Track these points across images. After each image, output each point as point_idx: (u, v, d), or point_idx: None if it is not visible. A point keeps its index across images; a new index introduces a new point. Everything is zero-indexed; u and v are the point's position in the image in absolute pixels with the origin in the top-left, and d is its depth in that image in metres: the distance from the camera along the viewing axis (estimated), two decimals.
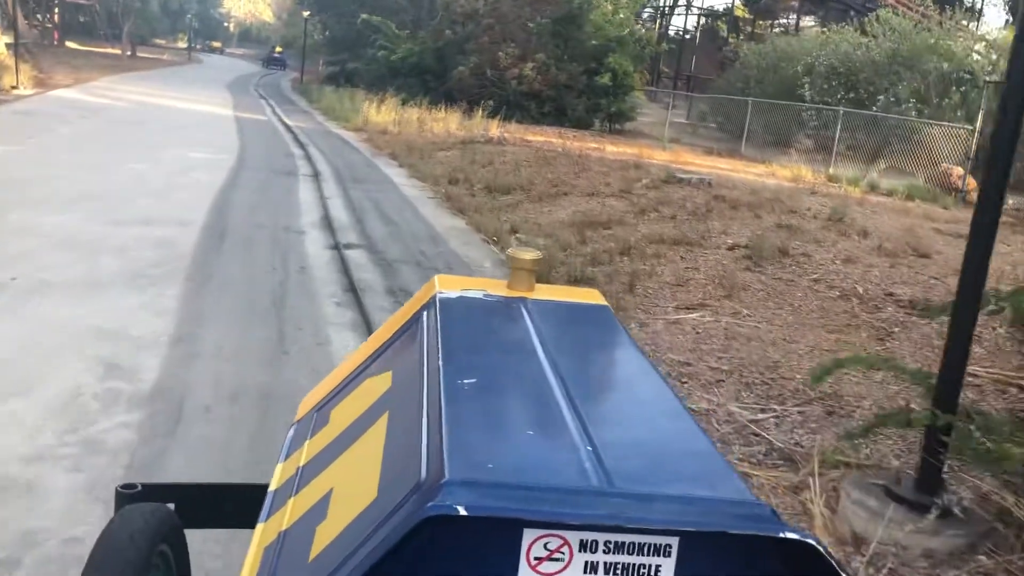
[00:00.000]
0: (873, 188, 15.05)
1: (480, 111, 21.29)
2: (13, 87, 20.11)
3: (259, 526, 1.43)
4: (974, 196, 5.39)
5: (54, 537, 2.75)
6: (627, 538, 0.99)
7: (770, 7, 41.80)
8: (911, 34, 21.33)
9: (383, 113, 20.91)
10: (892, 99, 20.40)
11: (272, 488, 1.54)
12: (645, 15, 38.76)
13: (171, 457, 3.37)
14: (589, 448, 1.14)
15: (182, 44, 74.48)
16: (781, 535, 0.98)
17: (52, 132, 13.56)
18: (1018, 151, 3.25)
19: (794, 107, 21.35)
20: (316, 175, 11.84)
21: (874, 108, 19.93)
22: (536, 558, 0.99)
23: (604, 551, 0.99)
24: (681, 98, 30.96)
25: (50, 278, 5.59)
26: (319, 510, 1.28)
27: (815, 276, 7.23)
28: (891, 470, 3.58)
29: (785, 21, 43.06)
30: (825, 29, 25.87)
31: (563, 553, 0.99)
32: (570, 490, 1.02)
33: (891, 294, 6.78)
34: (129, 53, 43.88)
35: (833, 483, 3.53)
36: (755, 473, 3.65)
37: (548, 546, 0.99)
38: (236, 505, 1.93)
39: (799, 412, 4.39)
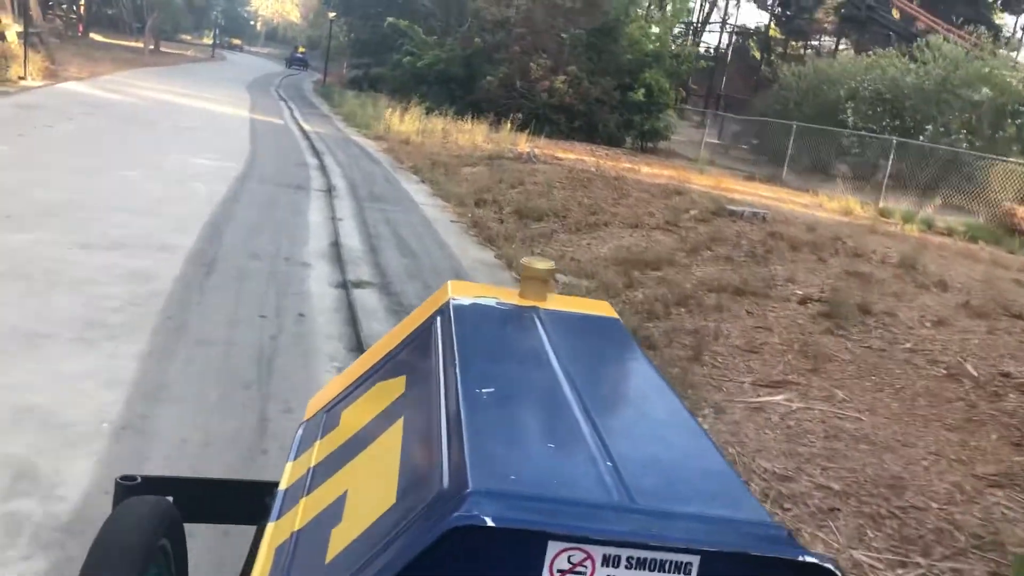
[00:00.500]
0: (929, 226, 13.99)
1: (508, 123, 20.20)
2: (20, 78, 19.11)
3: (269, 525, 1.41)
4: None
5: None
6: (649, 555, 0.98)
7: (802, 28, 41.20)
8: (963, 62, 20.15)
9: (406, 122, 19.84)
10: (941, 129, 19.33)
11: (282, 487, 1.52)
12: (676, 31, 37.88)
13: None
14: (609, 463, 1.14)
15: (208, 41, 73.87)
16: (800, 559, 1.00)
17: (49, 129, 12.49)
18: None
19: (838, 133, 20.29)
20: (330, 190, 10.71)
21: (920, 138, 18.92)
22: (559, 571, 0.97)
23: (626, 566, 0.98)
24: (710, 116, 30.02)
25: None
26: (334, 512, 1.27)
27: (908, 345, 6.11)
28: None
29: (817, 43, 42.20)
30: (871, 53, 24.72)
31: (586, 567, 0.98)
32: (593, 504, 1.03)
33: (1007, 375, 5.66)
34: (152, 47, 43.03)
35: None
36: None
37: (571, 559, 0.97)
38: (235, 501, 1.93)
39: (953, 572, 3.23)
